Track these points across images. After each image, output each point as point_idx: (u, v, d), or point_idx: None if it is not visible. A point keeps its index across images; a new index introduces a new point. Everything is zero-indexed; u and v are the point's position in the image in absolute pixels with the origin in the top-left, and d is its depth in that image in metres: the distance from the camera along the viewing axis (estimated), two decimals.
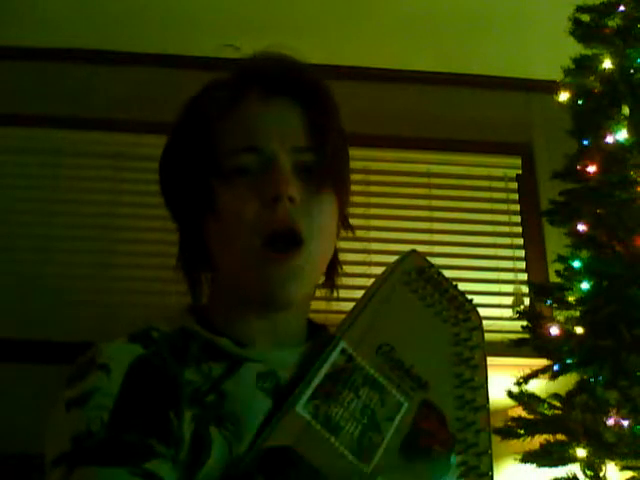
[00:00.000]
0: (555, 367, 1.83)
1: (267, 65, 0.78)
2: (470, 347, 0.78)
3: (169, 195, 0.81)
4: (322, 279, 0.82)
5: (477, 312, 0.81)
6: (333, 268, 0.83)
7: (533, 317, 1.94)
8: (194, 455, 0.64)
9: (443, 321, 0.79)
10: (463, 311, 0.80)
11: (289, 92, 0.76)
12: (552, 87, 2.05)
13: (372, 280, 0.80)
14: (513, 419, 1.80)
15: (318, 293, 0.84)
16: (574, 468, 1.70)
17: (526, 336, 1.91)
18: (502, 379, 1.81)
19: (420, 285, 0.79)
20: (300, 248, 0.71)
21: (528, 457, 1.74)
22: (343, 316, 0.76)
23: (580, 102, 1.99)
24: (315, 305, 0.83)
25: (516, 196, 2.80)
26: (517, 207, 2.78)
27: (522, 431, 1.76)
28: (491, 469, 0.73)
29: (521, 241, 2.72)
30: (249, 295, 0.74)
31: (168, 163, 0.80)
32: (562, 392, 1.82)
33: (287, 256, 0.71)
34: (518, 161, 2.82)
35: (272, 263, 0.71)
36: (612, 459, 1.68)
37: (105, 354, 0.67)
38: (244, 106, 0.76)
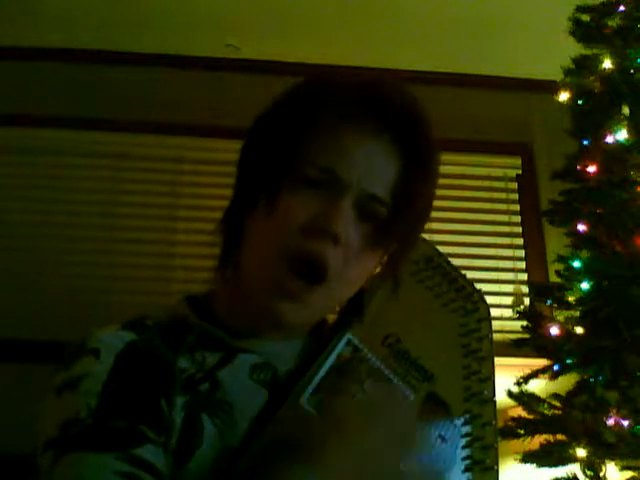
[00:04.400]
0: (555, 367, 1.83)
1: (389, 100, 0.72)
2: (478, 338, 0.77)
3: (242, 177, 0.78)
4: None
5: (485, 303, 0.80)
6: (354, 308, 0.78)
7: (533, 317, 1.94)
8: (185, 442, 0.64)
9: (451, 311, 0.77)
10: (471, 301, 0.79)
11: (400, 140, 0.72)
12: (552, 87, 2.05)
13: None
14: (513, 419, 1.80)
15: None
16: (574, 468, 1.69)
17: (526, 336, 1.91)
18: (502, 379, 1.80)
19: (428, 275, 0.78)
20: (319, 286, 0.69)
21: (528, 457, 1.73)
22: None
23: (580, 102, 1.99)
24: None
25: (516, 196, 2.80)
26: (517, 207, 2.78)
27: (522, 431, 1.76)
28: (497, 463, 0.71)
29: (521, 241, 2.72)
30: (257, 309, 0.73)
31: (252, 151, 0.77)
32: (562, 392, 1.82)
33: (308, 285, 0.69)
34: (518, 161, 2.82)
35: (286, 294, 0.69)
36: (612, 459, 1.68)
37: (96, 339, 0.67)
38: (347, 126, 0.71)
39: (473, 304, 0.79)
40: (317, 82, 0.76)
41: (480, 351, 0.76)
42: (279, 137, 0.73)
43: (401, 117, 0.72)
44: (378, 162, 0.71)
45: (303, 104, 0.73)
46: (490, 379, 0.76)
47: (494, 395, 0.75)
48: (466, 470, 0.70)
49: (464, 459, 0.70)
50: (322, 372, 0.67)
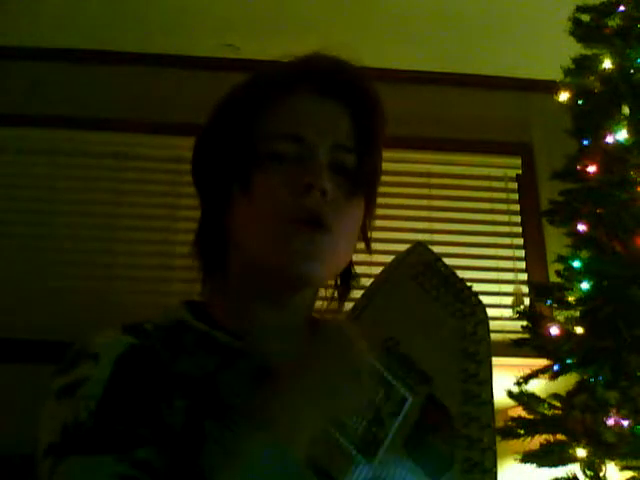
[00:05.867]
0: (555, 367, 1.83)
1: (322, 64, 0.79)
2: (476, 341, 0.77)
3: (202, 174, 0.80)
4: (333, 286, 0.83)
5: (483, 306, 0.80)
6: (347, 279, 0.82)
7: (533, 317, 1.94)
8: (188, 446, 0.64)
9: (449, 315, 0.78)
10: (469, 305, 0.79)
11: (341, 94, 0.77)
12: (552, 87, 2.05)
13: (372, 280, 0.79)
14: (513, 419, 1.80)
15: (321, 293, 0.83)
16: (574, 468, 1.69)
17: (526, 336, 1.91)
18: (502, 379, 1.81)
19: (426, 278, 0.78)
20: (323, 230, 0.72)
21: (528, 457, 1.73)
22: (342, 316, 0.75)
23: (580, 102, 1.99)
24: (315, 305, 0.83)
25: (516, 196, 2.80)
26: (517, 207, 2.78)
27: (522, 431, 1.76)
28: (495, 465, 0.72)
29: (521, 241, 2.72)
30: (271, 272, 0.73)
31: (206, 143, 0.80)
32: (562, 392, 1.82)
33: (314, 232, 0.71)
34: (518, 161, 2.82)
35: (299, 237, 0.71)
36: (612, 459, 1.68)
37: (96, 343, 0.67)
38: (293, 96, 0.76)
39: (470, 307, 0.79)
40: (259, 71, 0.81)
41: (478, 354, 0.77)
42: (235, 123, 0.76)
43: (341, 77, 0.78)
44: (334, 117, 0.76)
45: (248, 89, 0.78)
46: (488, 382, 0.76)
47: (492, 397, 0.76)
48: (465, 472, 0.70)
49: (463, 461, 0.71)
50: None
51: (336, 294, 0.83)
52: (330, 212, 0.72)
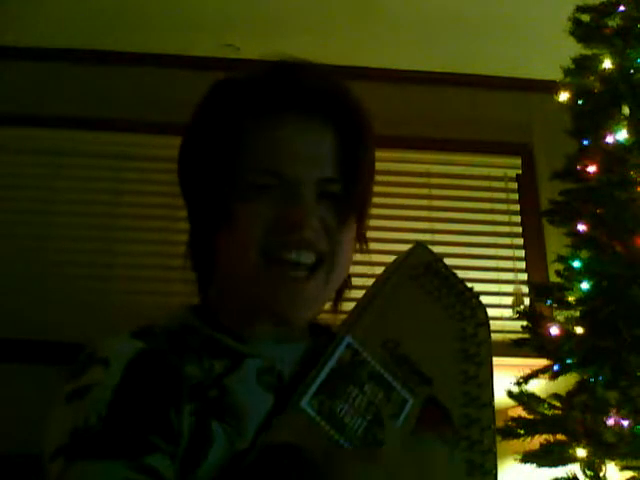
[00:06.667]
0: (555, 367, 1.83)
1: (304, 80, 0.74)
2: (476, 343, 0.77)
3: (188, 199, 0.80)
4: None
5: (484, 308, 0.80)
6: (343, 287, 0.82)
7: (533, 317, 1.94)
8: (195, 449, 0.64)
9: (450, 316, 0.78)
10: (469, 307, 0.79)
11: (325, 113, 0.73)
12: (552, 87, 2.04)
13: (372, 280, 0.79)
14: (513, 419, 1.80)
15: None
16: (574, 468, 1.69)
17: (526, 336, 1.91)
18: (502, 379, 1.81)
19: (427, 279, 0.78)
20: (318, 271, 0.72)
21: (528, 457, 1.73)
22: (343, 316, 0.75)
23: (580, 102, 1.99)
24: None
25: (516, 196, 2.80)
26: (517, 207, 2.78)
27: (522, 431, 1.76)
28: (496, 467, 0.72)
29: (521, 241, 2.72)
30: (256, 310, 0.74)
31: (187, 168, 0.79)
32: (562, 392, 1.82)
33: (304, 279, 0.71)
34: (518, 161, 2.81)
35: (286, 285, 0.71)
36: (612, 459, 1.68)
37: (106, 348, 0.67)
38: (274, 123, 0.72)
39: (471, 309, 0.79)
40: (231, 87, 0.76)
41: (478, 356, 0.77)
42: (212, 156, 0.73)
43: (324, 94, 0.73)
44: (318, 145, 0.73)
45: (225, 115, 0.74)
46: (488, 384, 0.76)
47: (492, 399, 0.75)
48: (465, 474, 0.70)
49: (463, 463, 0.71)
50: (322, 375, 0.68)
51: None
52: (323, 241, 0.72)
